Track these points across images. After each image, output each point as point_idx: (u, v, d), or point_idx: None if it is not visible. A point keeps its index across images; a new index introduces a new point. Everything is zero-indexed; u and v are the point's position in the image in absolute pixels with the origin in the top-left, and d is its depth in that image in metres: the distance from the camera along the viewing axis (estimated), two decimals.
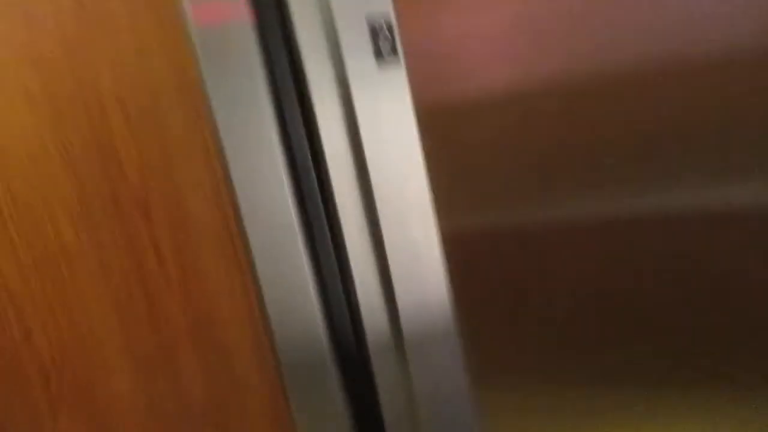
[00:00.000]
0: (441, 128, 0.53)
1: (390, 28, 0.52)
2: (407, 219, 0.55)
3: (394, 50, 0.52)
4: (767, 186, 0.46)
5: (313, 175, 0.58)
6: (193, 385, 0.73)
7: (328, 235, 0.59)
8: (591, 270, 0.51)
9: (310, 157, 0.58)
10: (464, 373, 0.57)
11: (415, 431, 0.59)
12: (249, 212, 0.58)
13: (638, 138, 0.48)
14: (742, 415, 0.50)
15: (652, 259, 0.50)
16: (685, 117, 0.46)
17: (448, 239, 0.55)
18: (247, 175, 0.57)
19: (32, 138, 0.69)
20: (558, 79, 0.48)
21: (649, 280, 0.50)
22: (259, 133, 0.56)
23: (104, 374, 0.75)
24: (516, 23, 0.48)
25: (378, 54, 0.53)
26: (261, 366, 0.70)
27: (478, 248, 0.54)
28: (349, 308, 0.61)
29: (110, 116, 0.66)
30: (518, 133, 0.50)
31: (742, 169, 0.46)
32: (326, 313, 0.60)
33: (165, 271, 0.69)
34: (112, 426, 0.76)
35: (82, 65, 0.65)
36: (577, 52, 0.47)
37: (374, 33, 0.53)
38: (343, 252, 0.57)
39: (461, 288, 0.55)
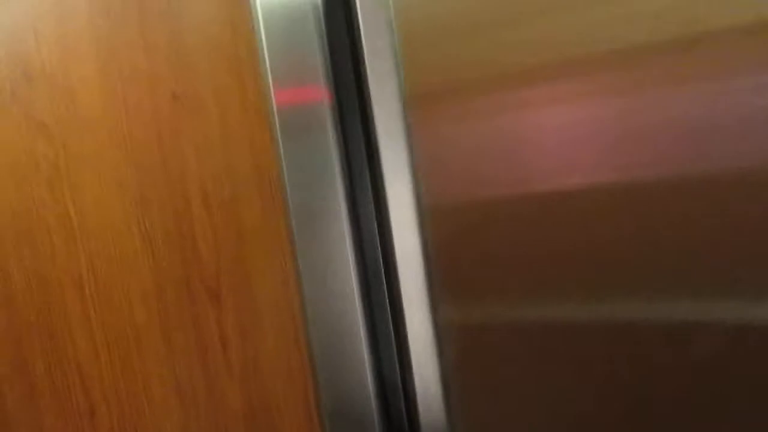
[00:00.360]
0: (455, 226, 0.54)
1: None
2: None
3: None
4: None
5: (381, 265, 0.59)
6: None
7: (392, 328, 0.59)
8: (593, 376, 0.51)
9: (379, 247, 0.58)
10: None
11: None
12: (313, 301, 0.58)
13: (648, 247, 0.48)
14: None
15: (657, 368, 0.49)
16: (697, 230, 0.46)
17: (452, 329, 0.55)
18: (314, 265, 0.58)
19: (118, 220, 0.73)
20: (573, 187, 0.49)
21: (653, 390, 0.49)
22: (330, 223, 0.58)
23: None
24: (527, 131, 0.50)
25: None
26: None
27: (479, 340, 0.54)
28: (406, 401, 0.59)
29: (192, 204, 0.69)
30: (527, 236, 0.51)
31: (758, 284, 0.45)
32: (382, 407, 0.59)
33: (228, 355, 0.70)
34: None
35: (172, 154, 0.69)
36: (591, 161, 0.48)
37: None
38: (405, 343, 0.57)
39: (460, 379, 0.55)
